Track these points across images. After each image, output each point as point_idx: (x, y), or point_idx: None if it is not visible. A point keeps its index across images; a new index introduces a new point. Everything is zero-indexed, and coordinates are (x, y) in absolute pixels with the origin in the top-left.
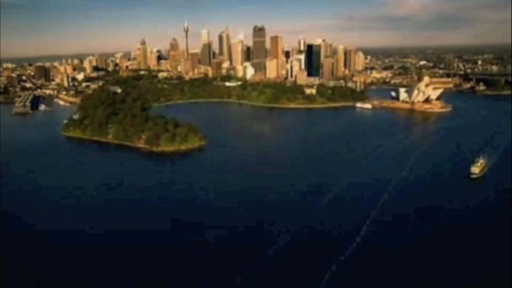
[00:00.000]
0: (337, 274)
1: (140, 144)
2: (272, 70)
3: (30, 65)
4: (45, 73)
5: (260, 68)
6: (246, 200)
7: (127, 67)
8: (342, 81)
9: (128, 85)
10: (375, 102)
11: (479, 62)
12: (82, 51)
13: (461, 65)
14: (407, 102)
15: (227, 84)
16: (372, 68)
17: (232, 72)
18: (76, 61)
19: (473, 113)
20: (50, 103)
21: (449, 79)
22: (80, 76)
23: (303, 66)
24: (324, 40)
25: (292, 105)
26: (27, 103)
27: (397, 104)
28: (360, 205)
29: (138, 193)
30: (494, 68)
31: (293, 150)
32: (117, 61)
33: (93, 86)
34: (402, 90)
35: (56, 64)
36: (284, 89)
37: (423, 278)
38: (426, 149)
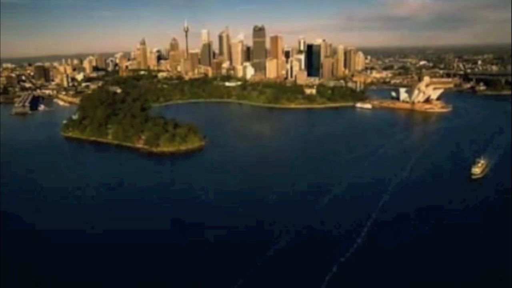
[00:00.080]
0: (338, 275)
1: (140, 145)
2: (272, 70)
3: (29, 65)
4: (44, 73)
5: (260, 68)
6: (246, 200)
7: (126, 67)
8: (342, 81)
9: (127, 85)
10: (375, 102)
11: (479, 62)
12: (82, 51)
13: (461, 65)
14: (407, 102)
15: (227, 84)
16: (372, 68)
17: (232, 72)
18: (75, 61)
19: (474, 113)
20: (49, 103)
21: (449, 79)
22: (80, 76)
23: (303, 66)
24: (324, 40)
25: (292, 105)
26: (27, 103)
27: (397, 104)
28: (361, 206)
29: (137, 193)
30: (494, 68)
31: (293, 150)
32: (117, 61)
33: (93, 86)
34: (402, 90)
35: (55, 64)
36: (284, 89)
37: (426, 279)
38: (426, 149)
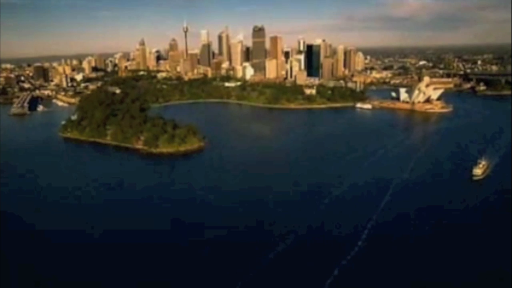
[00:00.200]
0: (339, 278)
1: (139, 145)
2: (272, 70)
3: (28, 65)
4: (43, 74)
5: (259, 68)
6: (245, 200)
7: (126, 67)
8: (342, 82)
9: (127, 85)
10: (375, 103)
11: (479, 62)
12: (82, 51)
13: (460, 65)
14: (407, 102)
15: (227, 84)
16: (372, 68)
17: (231, 72)
18: (75, 62)
19: (474, 114)
20: (48, 103)
21: (449, 79)
22: (79, 77)
23: (302, 67)
24: (323, 40)
25: (292, 106)
26: (25, 104)
27: (398, 105)
28: (361, 207)
29: (137, 194)
30: (494, 68)
31: (293, 151)
32: (116, 61)
33: (92, 86)
34: (402, 91)
35: (55, 64)
36: (283, 89)
37: (428, 281)
38: (427, 150)
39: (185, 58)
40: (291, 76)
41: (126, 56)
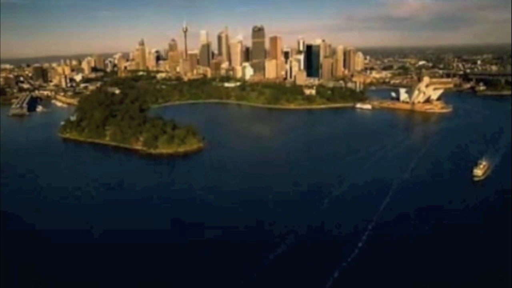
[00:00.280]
0: (340, 281)
1: (138, 146)
2: (271, 70)
3: (28, 66)
4: (43, 74)
5: (259, 68)
6: (245, 201)
7: (125, 67)
8: (341, 82)
9: (126, 86)
10: (375, 103)
11: (479, 62)
12: (82, 51)
13: (460, 65)
14: (407, 102)
15: (226, 84)
16: (371, 69)
17: (231, 72)
18: (74, 62)
19: (474, 114)
20: (47, 104)
21: (449, 79)
22: (78, 77)
23: (302, 67)
24: (323, 40)
25: (292, 106)
26: (24, 105)
27: (398, 105)
28: (361, 209)
29: (136, 195)
30: (494, 68)
31: (293, 152)
32: (116, 61)
33: (91, 87)
34: (402, 91)
35: (54, 65)
36: (283, 89)
37: (431, 281)
38: (427, 151)
39: (185, 58)
40: (290, 76)
41: (126, 57)
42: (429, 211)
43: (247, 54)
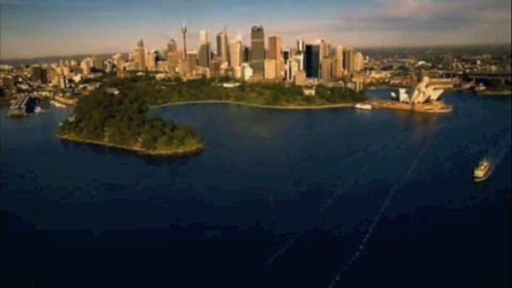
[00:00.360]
0: (341, 284)
1: (137, 147)
2: (271, 70)
3: (27, 66)
4: (41, 75)
5: (258, 69)
6: (245, 201)
7: (124, 68)
8: (341, 82)
9: (125, 86)
10: (375, 103)
11: (478, 62)
12: (81, 52)
13: (460, 65)
14: (407, 102)
15: (225, 85)
16: (371, 69)
17: (230, 73)
18: (73, 62)
19: (474, 114)
20: (46, 105)
21: (449, 80)
22: (77, 78)
23: (301, 67)
24: (322, 41)
25: (291, 106)
26: (23, 105)
27: (397, 105)
28: (361, 211)
29: (135, 196)
30: (493, 68)
31: (293, 152)
32: (115, 62)
33: (90, 87)
34: (402, 91)
35: (53, 65)
36: (283, 90)
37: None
38: (428, 151)
39: (184, 58)
40: (290, 77)
41: (125, 57)
42: (431, 212)
43: (246, 55)
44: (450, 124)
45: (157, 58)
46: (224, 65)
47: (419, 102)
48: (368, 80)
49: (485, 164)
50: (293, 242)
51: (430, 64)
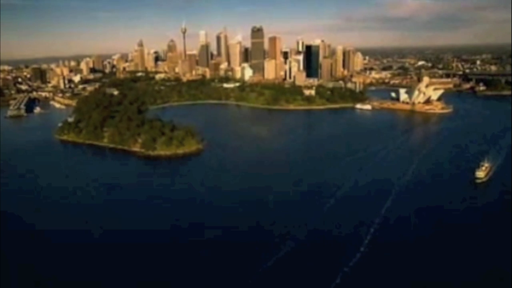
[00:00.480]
0: (343, 283)
1: (136, 148)
2: (271, 71)
3: (26, 67)
4: (41, 75)
5: (258, 69)
6: (245, 201)
7: (124, 68)
8: (341, 82)
9: (125, 87)
10: (375, 103)
11: (478, 62)
12: (81, 52)
13: (459, 65)
14: (407, 103)
15: (225, 85)
16: (370, 69)
17: (230, 73)
18: (73, 63)
19: (474, 114)
20: (45, 105)
21: (449, 80)
22: (77, 78)
23: (301, 67)
24: (322, 41)
25: (291, 107)
26: (22, 106)
27: (398, 105)
28: (362, 212)
29: (134, 198)
30: (493, 68)
31: (293, 153)
32: (114, 62)
33: (90, 88)
34: (402, 91)
35: (52, 66)
36: (282, 90)
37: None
38: (428, 152)
39: (184, 59)
40: (290, 77)
41: (124, 57)
42: (433, 213)
43: (246, 55)
44: (450, 125)
45: (156, 59)
46: (224, 66)
47: (419, 103)
48: (368, 80)
49: (486, 164)
50: (293, 242)
51: (430, 64)
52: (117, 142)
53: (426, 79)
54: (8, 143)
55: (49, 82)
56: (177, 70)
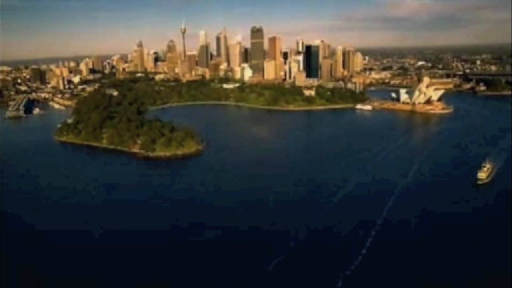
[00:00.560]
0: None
1: (136, 149)
2: (270, 71)
3: (26, 67)
4: (40, 76)
5: (258, 69)
6: (245, 201)
7: (123, 69)
8: (341, 82)
9: (124, 87)
10: (376, 104)
11: (478, 62)
12: (81, 52)
13: (459, 65)
14: (408, 103)
15: (225, 86)
16: (370, 69)
17: (229, 73)
18: (72, 64)
19: (475, 114)
20: (45, 106)
21: (449, 80)
22: (76, 79)
23: (301, 67)
24: (322, 41)
25: (291, 107)
26: (21, 107)
27: (398, 106)
28: (362, 214)
29: (133, 198)
30: (493, 68)
31: (293, 153)
32: (114, 63)
33: (89, 88)
34: (402, 91)
35: (52, 66)
36: (282, 90)
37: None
38: (429, 153)
39: (183, 59)
40: (290, 77)
41: (124, 58)
42: (434, 215)
43: (246, 55)
44: (451, 125)
45: (156, 59)
46: (223, 66)
47: (420, 103)
48: (368, 81)
49: (488, 166)
50: (294, 242)
51: (430, 64)
52: (116, 143)
53: (426, 80)
54: (8, 144)
55: (48, 83)
56: (176, 70)
